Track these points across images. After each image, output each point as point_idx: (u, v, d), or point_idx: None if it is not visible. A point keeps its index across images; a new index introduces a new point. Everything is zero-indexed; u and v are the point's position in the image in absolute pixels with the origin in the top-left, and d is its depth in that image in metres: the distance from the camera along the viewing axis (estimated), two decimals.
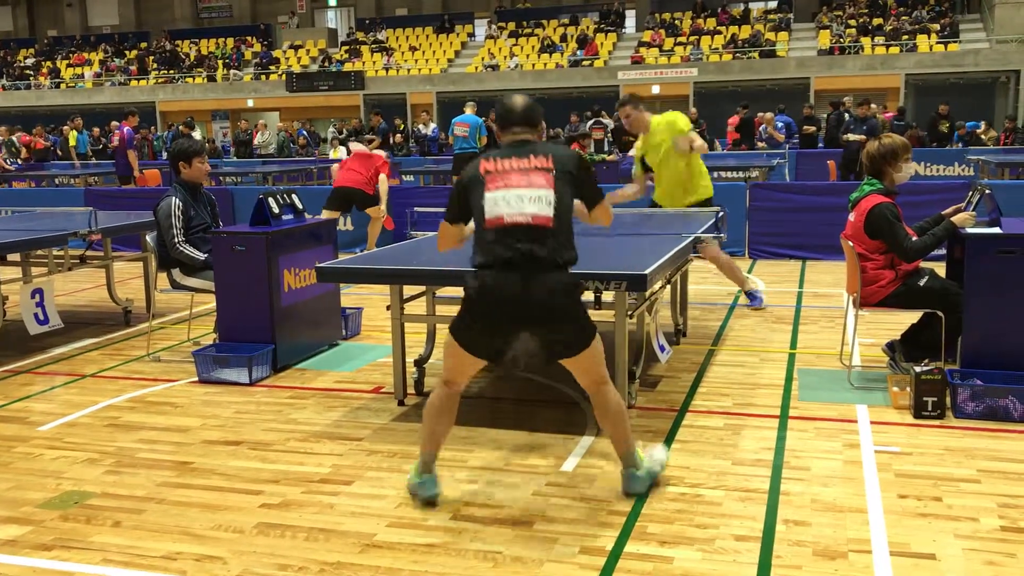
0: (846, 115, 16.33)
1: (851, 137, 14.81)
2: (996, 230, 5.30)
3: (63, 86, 37.50)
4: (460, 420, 5.13)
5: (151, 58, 38.02)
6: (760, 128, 19.08)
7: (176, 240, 6.49)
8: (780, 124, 19.11)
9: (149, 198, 11.02)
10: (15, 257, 7.51)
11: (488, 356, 3.87)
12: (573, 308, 3.72)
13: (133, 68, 37.67)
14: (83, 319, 8.20)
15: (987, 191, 5.64)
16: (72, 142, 22.30)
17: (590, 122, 19.97)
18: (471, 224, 3.92)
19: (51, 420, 5.34)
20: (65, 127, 24.33)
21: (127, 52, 39.37)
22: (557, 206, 3.65)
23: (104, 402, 5.67)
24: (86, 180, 18.28)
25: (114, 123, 16.10)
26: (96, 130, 24.36)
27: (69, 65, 38.95)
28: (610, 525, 3.76)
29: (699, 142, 7.41)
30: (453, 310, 6.02)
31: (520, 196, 3.65)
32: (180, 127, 20.58)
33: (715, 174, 16.15)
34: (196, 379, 6.07)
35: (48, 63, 39.36)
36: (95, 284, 9.74)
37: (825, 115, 19.64)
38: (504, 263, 3.62)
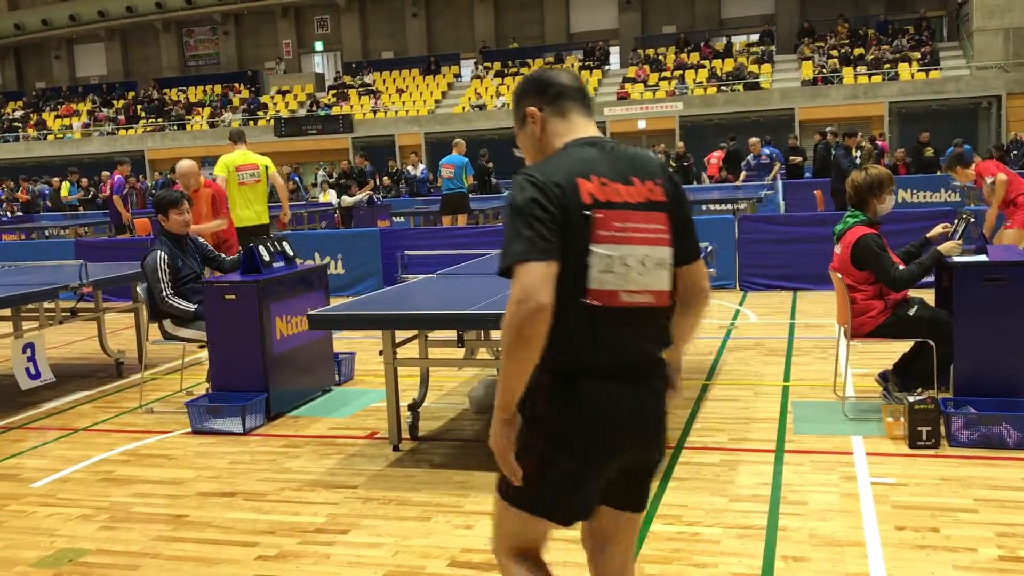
0: (833, 147, 16.37)
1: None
2: (983, 258, 5.34)
3: (51, 137, 37.64)
4: (455, 464, 5.15)
5: (139, 107, 38.22)
6: (749, 157, 19.05)
7: (164, 294, 6.48)
8: (765, 151, 19.13)
9: (140, 248, 11.02)
10: (5, 312, 7.49)
11: (577, 512, 2.46)
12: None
13: (121, 118, 37.86)
14: (75, 372, 8.17)
15: (971, 219, 5.68)
16: (64, 192, 22.41)
17: None
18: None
19: (44, 476, 5.30)
20: (56, 179, 24.45)
21: (115, 102, 39.59)
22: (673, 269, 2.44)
23: (97, 456, 5.64)
24: (76, 231, 18.30)
25: (105, 173, 16.23)
26: (84, 180, 24.47)
27: (57, 116, 39.13)
28: None
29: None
30: (446, 352, 6.05)
31: (644, 260, 2.34)
32: (168, 174, 20.40)
33: (702, 207, 16.28)
34: (190, 430, 6.04)
35: (36, 115, 39.53)
36: (87, 336, 9.71)
37: (813, 145, 19.74)
38: (622, 370, 2.36)
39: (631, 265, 2.31)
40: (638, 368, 2.37)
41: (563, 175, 2.29)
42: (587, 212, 2.27)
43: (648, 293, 2.34)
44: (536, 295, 2.16)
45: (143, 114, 37.68)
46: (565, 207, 2.25)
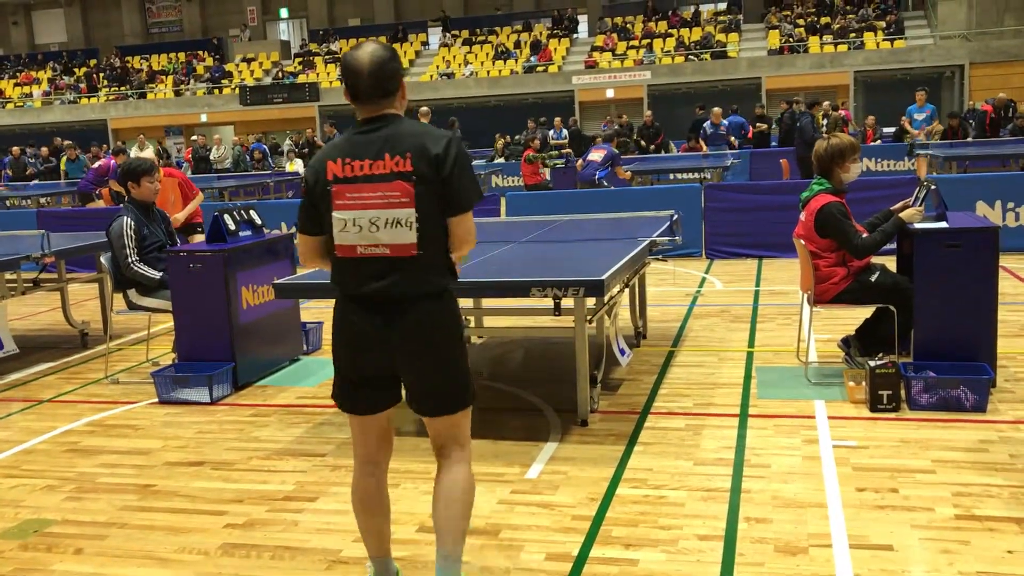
0: (800, 115, 16.40)
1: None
2: (943, 225, 5.42)
3: (10, 106, 36.90)
4: (423, 432, 5.12)
5: (101, 75, 37.53)
6: (705, 124, 18.95)
7: (130, 260, 6.43)
8: (725, 123, 19.09)
9: (102, 218, 10.88)
10: None
11: (357, 407, 3.14)
12: (448, 348, 3.05)
13: (83, 86, 37.16)
14: (39, 343, 8.09)
15: (933, 187, 5.76)
16: (63, 166, 22.17)
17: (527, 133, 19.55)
18: None
19: (8, 448, 5.26)
20: (16, 148, 24.04)
21: (76, 69, 38.82)
22: (422, 227, 2.92)
23: (63, 427, 5.60)
24: (38, 201, 18.02)
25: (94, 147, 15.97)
26: (45, 150, 24.08)
27: (17, 84, 38.33)
28: (575, 530, 3.79)
29: None
30: None
31: (374, 221, 2.91)
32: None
33: (669, 176, 16.33)
34: (156, 400, 6.02)
35: None
36: (50, 307, 9.61)
37: (780, 114, 19.79)
38: (360, 299, 2.99)
39: (362, 226, 2.92)
40: (385, 300, 2.96)
41: (319, 158, 3.03)
42: (328, 188, 2.95)
43: (384, 246, 2.93)
44: (302, 258, 3.16)
45: (105, 82, 37.00)
46: (313, 185, 3.00)
